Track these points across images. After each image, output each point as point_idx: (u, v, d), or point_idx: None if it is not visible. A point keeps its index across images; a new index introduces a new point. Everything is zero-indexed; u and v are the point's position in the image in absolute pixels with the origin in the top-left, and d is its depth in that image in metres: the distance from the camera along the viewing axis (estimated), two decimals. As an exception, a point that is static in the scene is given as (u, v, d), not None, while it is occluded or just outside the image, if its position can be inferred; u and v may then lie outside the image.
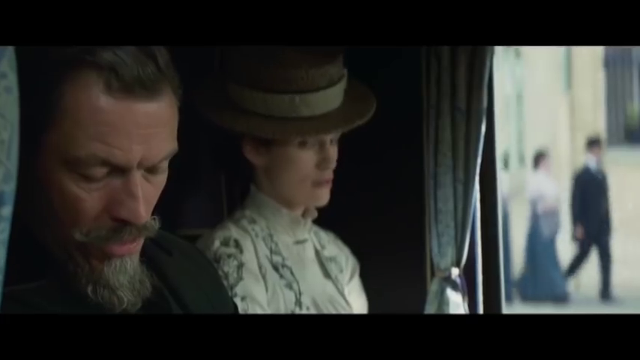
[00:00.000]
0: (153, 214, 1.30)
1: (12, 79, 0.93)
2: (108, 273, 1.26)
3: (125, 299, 1.26)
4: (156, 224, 1.30)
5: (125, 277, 1.27)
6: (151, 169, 1.26)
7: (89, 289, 1.25)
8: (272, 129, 2.08)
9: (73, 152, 1.20)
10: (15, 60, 0.94)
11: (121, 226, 1.25)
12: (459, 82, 2.37)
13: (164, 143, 1.25)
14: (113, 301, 1.26)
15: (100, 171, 1.22)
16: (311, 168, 2.10)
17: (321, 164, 2.11)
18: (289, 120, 2.08)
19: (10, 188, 0.94)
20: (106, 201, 1.24)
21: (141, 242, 1.29)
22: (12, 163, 0.95)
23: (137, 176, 1.24)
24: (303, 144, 2.10)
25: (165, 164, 1.29)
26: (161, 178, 1.29)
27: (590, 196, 10.11)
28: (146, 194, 1.25)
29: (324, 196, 2.14)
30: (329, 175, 2.13)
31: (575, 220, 10.29)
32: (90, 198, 1.23)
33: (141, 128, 1.22)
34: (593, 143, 10.66)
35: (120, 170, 1.23)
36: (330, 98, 2.11)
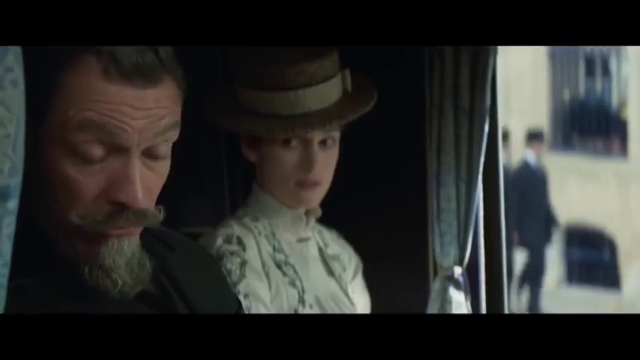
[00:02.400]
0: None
1: (18, 73, 0.93)
2: (104, 254, 1.25)
3: (120, 281, 1.25)
4: (160, 215, 1.29)
5: (122, 258, 1.26)
6: (152, 154, 1.26)
7: (86, 271, 1.25)
8: (260, 126, 2.06)
9: (70, 125, 1.20)
10: (21, 54, 0.94)
11: (118, 210, 1.24)
12: (462, 82, 2.37)
13: (163, 121, 1.24)
14: (107, 284, 1.25)
15: (97, 152, 1.22)
16: (292, 168, 2.08)
17: (303, 165, 2.07)
18: (277, 117, 2.06)
19: (15, 182, 0.95)
20: (104, 184, 1.23)
21: (140, 227, 1.29)
22: (18, 157, 0.95)
23: (135, 158, 1.24)
24: (286, 143, 2.07)
25: (166, 150, 1.28)
26: (162, 165, 1.28)
27: (528, 195, 9.00)
28: (146, 181, 1.25)
29: (309, 199, 2.12)
30: (314, 177, 2.08)
31: (510, 223, 9.28)
32: (87, 180, 1.23)
33: (139, 109, 1.22)
34: (533, 137, 9.40)
35: (118, 151, 1.23)
36: (320, 96, 2.08)
